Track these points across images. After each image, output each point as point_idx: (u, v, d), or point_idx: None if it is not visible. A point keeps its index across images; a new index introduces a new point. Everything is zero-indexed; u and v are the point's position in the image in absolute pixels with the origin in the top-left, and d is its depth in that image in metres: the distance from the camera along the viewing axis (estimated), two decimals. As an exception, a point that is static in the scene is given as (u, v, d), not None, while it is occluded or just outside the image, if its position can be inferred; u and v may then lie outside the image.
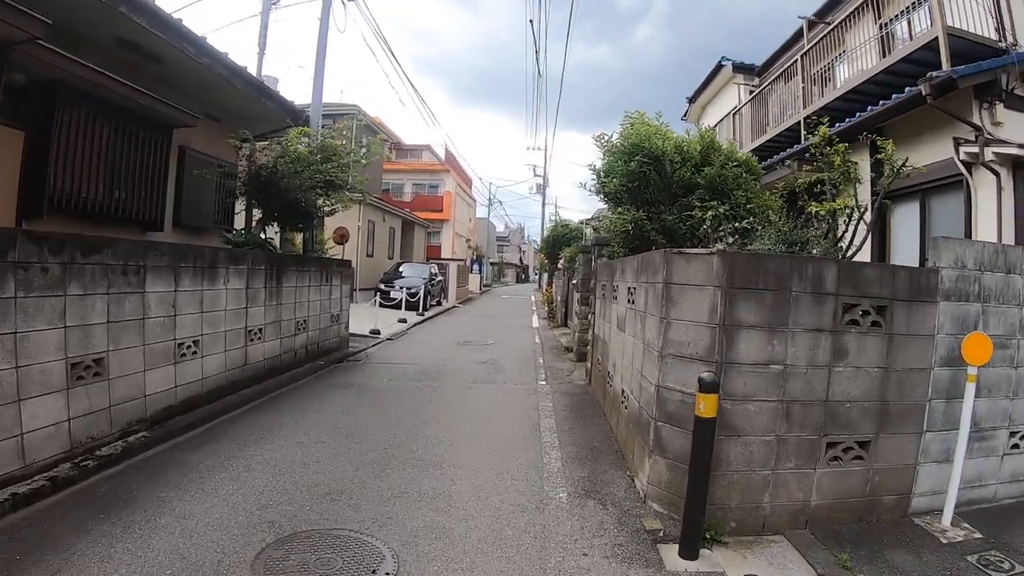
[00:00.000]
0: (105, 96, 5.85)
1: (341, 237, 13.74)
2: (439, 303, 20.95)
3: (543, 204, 44.09)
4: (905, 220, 7.27)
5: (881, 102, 6.97)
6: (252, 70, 9.54)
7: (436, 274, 21.20)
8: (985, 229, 5.96)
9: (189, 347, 5.29)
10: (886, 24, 7.79)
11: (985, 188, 6.05)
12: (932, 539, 3.42)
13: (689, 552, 3.08)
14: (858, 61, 8.29)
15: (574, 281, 11.96)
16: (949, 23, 6.38)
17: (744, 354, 3.35)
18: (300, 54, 53.12)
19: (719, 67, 14.39)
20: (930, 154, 6.48)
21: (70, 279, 3.88)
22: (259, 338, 6.70)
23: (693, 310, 3.48)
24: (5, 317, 3.41)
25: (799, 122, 9.26)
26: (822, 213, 4.12)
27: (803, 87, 9.50)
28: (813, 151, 4.58)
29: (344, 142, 9.14)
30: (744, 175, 5.44)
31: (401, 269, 20.47)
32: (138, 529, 3.15)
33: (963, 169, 6.14)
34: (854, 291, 3.45)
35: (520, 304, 26.62)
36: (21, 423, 3.51)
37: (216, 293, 5.73)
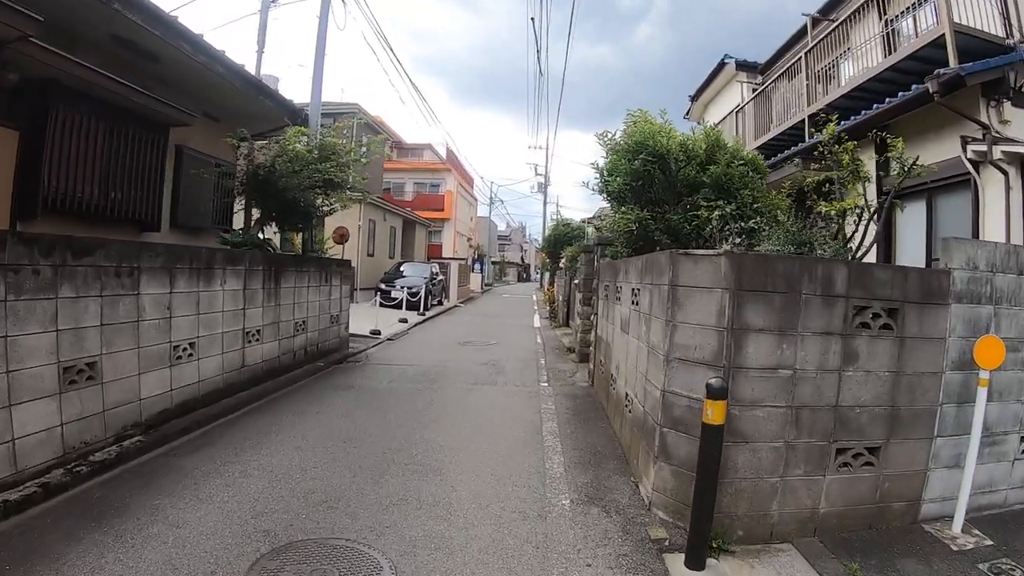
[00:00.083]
0: (100, 95, 5.77)
1: (341, 237, 13.67)
2: (440, 302, 20.89)
3: (544, 203, 44.06)
4: (911, 220, 7.18)
5: (887, 100, 6.89)
6: (252, 69, 9.48)
7: (437, 273, 21.13)
8: (993, 229, 5.88)
9: (185, 349, 5.21)
10: (891, 21, 7.71)
11: (993, 187, 5.97)
12: (942, 546, 3.36)
13: (696, 562, 3.00)
14: (863, 58, 8.21)
15: (576, 281, 11.88)
16: (956, 20, 6.31)
17: (753, 358, 3.27)
18: (301, 53, 53.03)
19: (722, 65, 14.29)
20: (936, 153, 6.40)
21: (62, 281, 3.81)
22: (257, 340, 6.63)
23: (700, 313, 3.39)
24: (-6, 321, 3.33)
25: (803, 120, 9.18)
26: (832, 213, 4.03)
27: (807, 85, 9.42)
28: (822, 149, 4.50)
29: (344, 141, 9.05)
30: (750, 174, 5.35)
31: (402, 268, 20.41)
32: (130, 538, 3.07)
33: (971, 168, 6.07)
34: (865, 293, 3.37)
35: (521, 303, 26.55)
36: (12, 429, 3.44)
37: (213, 294, 5.65)
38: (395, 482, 4.05)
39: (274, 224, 8.19)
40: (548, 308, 21.52)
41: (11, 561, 2.78)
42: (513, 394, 7.20)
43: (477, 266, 37.12)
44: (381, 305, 14.00)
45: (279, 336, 7.22)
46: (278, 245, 8.92)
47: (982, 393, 3.40)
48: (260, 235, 7.81)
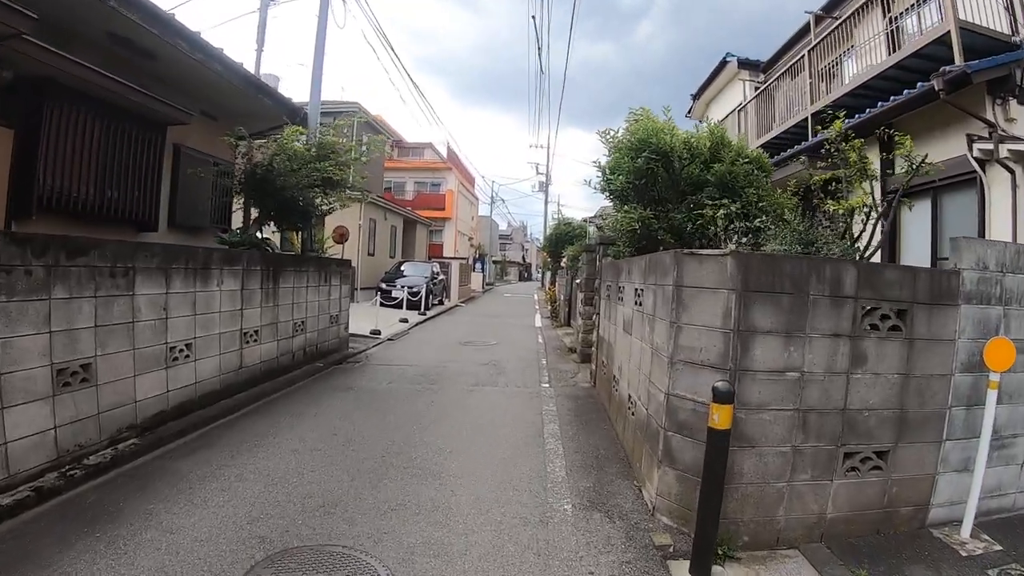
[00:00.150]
0: (97, 93, 5.71)
1: (341, 236, 13.60)
2: (441, 302, 20.83)
3: (546, 202, 43.97)
4: (915, 219, 7.11)
5: (892, 98, 6.82)
6: (251, 68, 9.42)
7: (438, 273, 21.08)
8: (999, 228, 5.82)
9: (181, 351, 5.15)
10: (895, 18, 7.65)
11: (999, 186, 5.91)
12: (951, 552, 3.31)
13: (701, 569, 2.93)
14: (867, 56, 8.15)
15: (578, 280, 11.81)
16: (961, 16, 6.24)
17: (759, 361, 3.20)
18: (301, 52, 52.98)
19: (724, 63, 14.20)
20: (941, 151, 6.32)
21: (55, 282, 3.75)
22: (255, 340, 6.56)
23: (705, 314, 3.32)
24: (-15, 322, 3.28)
25: (806, 119, 9.11)
26: (841, 212, 3.96)
27: (810, 83, 9.35)
28: (828, 146, 4.43)
29: (343, 140, 8.98)
30: (755, 172, 5.27)
31: (403, 268, 20.35)
32: (123, 544, 3.01)
33: (976, 166, 6.00)
34: (874, 294, 3.30)
35: (523, 303, 26.49)
36: (4, 432, 3.38)
37: (210, 295, 5.58)
38: (394, 486, 3.98)
39: (273, 223, 8.12)
40: (549, 308, 21.45)
41: (3, 567, 2.73)
42: (514, 395, 7.13)
43: (478, 265, 37.06)
44: (381, 305, 13.93)
45: (277, 337, 7.15)
46: (278, 245, 8.85)
47: (992, 396, 3.34)
48: (259, 235, 7.74)
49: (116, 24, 5.65)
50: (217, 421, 5.36)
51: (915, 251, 7.07)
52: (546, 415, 6.16)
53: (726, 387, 2.88)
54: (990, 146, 5.79)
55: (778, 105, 10.65)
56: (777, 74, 10.84)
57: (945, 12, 6.37)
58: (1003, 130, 5.87)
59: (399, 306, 15.19)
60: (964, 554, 3.26)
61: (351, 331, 10.14)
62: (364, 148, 10.08)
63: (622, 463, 4.71)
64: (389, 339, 11.59)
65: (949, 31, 6.23)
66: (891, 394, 3.37)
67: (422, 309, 16.76)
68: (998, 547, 3.34)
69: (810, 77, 9.37)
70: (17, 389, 3.48)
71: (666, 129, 5.43)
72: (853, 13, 8.39)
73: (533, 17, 39.76)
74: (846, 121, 5.89)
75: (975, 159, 5.97)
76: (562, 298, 17.37)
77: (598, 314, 7.79)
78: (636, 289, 4.79)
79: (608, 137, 5.92)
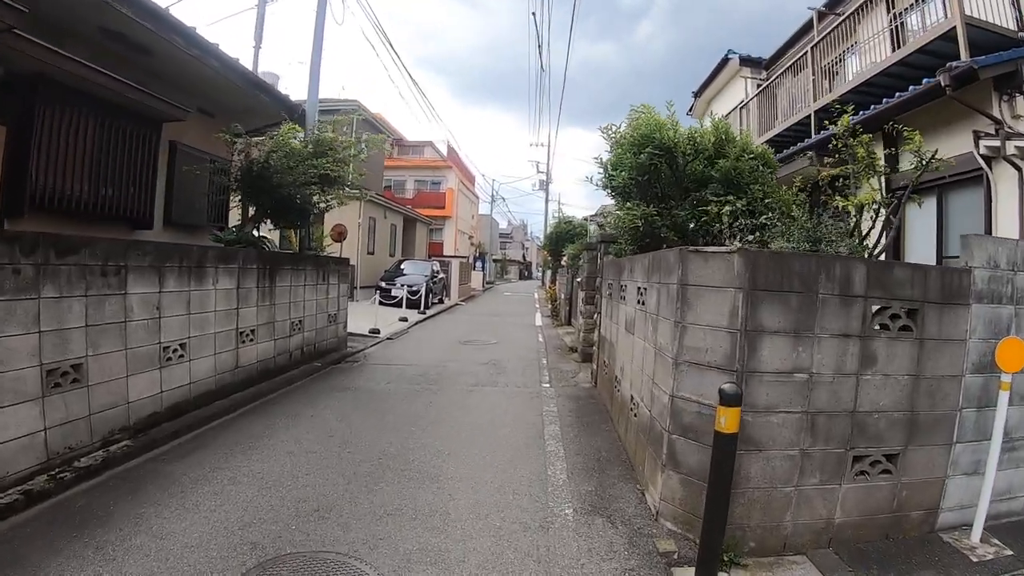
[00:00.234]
0: (91, 89, 5.61)
1: (339, 235, 13.52)
2: (441, 301, 20.75)
3: (546, 200, 43.89)
4: (920, 216, 7.03)
5: (897, 94, 6.75)
6: (249, 65, 9.33)
7: (438, 271, 21.00)
8: (1005, 226, 5.75)
9: (176, 350, 5.07)
10: (900, 14, 7.57)
11: (1006, 183, 5.83)
12: (961, 557, 3.23)
13: (706, 577, 2.85)
14: (870, 53, 8.08)
15: (578, 279, 11.73)
16: (967, 12, 6.17)
17: (767, 362, 3.11)
18: (301, 51, 52.90)
19: (725, 60, 14.11)
20: (946, 148, 6.19)
21: (44, 281, 3.67)
22: (251, 340, 6.48)
23: (711, 314, 3.23)
24: (-29, 322, 3.19)
25: (809, 116, 9.04)
26: (850, 208, 3.87)
27: (813, 80, 9.28)
28: (835, 142, 4.34)
29: (342, 137, 8.89)
30: (760, 168, 5.18)
31: (402, 266, 20.27)
32: (111, 550, 2.93)
33: (983, 163, 5.93)
34: (884, 293, 3.21)
35: (523, 302, 26.40)
36: (-9, 434, 3.30)
37: (204, 294, 5.50)
38: (390, 490, 3.89)
39: (270, 221, 8.03)
40: (550, 306, 21.38)
41: (-12, 574, 2.65)
42: (514, 395, 7.04)
43: (478, 264, 36.97)
44: (381, 303, 13.83)
45: (274, 336, 7.07)
46: (276, 243, 8.76)
47: (1003, 397, 3.25)
48: (255, 233, 7.66)
49: (109, 19, 5.56)
50: (212, 422, 5.28)
51: (919, 249, 6.99)
52: (547, 416, 6.07)
53: (734, 389, 2.78)
54: (997, 143, 5.71)
55: (780, 102, 10.58)
56: (779, 71, 10.76)
57: (951, 7, 6.31)
58: (1010, 127, 5.80)
59: (399, 305, 15.10)
60: (974, 559, 3.19)
61: (350, 330, 10.06)
62: (363, 145, 9.98)
63: (624, 466, 4.62)
64: (388, 338, 11.51)
65: (955, 26, 6.18)
66: (901, 396, 3.28)
67: (422, 308, 16.68)
68: (1009, 552, 3.26)
69: (813, 74, 9.30)
70: (5, 390, 3.40)
71: (669, 125, 5.34)
72: (856, 9, 8.32)
73: (533, 14, 39.80)
74: (851, 117, 5.82)
75: (981, 156, 5.90)
76: (563, 297, 17.28)
77: (599, 313, 7.70)
78: (639, 288, 4.70)
79: (610, 133, 5.81)
